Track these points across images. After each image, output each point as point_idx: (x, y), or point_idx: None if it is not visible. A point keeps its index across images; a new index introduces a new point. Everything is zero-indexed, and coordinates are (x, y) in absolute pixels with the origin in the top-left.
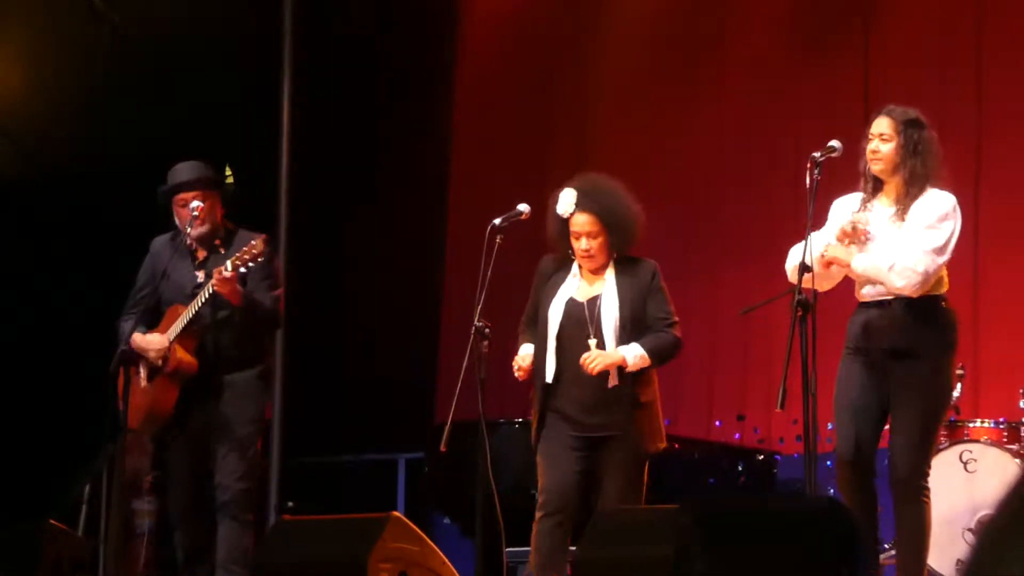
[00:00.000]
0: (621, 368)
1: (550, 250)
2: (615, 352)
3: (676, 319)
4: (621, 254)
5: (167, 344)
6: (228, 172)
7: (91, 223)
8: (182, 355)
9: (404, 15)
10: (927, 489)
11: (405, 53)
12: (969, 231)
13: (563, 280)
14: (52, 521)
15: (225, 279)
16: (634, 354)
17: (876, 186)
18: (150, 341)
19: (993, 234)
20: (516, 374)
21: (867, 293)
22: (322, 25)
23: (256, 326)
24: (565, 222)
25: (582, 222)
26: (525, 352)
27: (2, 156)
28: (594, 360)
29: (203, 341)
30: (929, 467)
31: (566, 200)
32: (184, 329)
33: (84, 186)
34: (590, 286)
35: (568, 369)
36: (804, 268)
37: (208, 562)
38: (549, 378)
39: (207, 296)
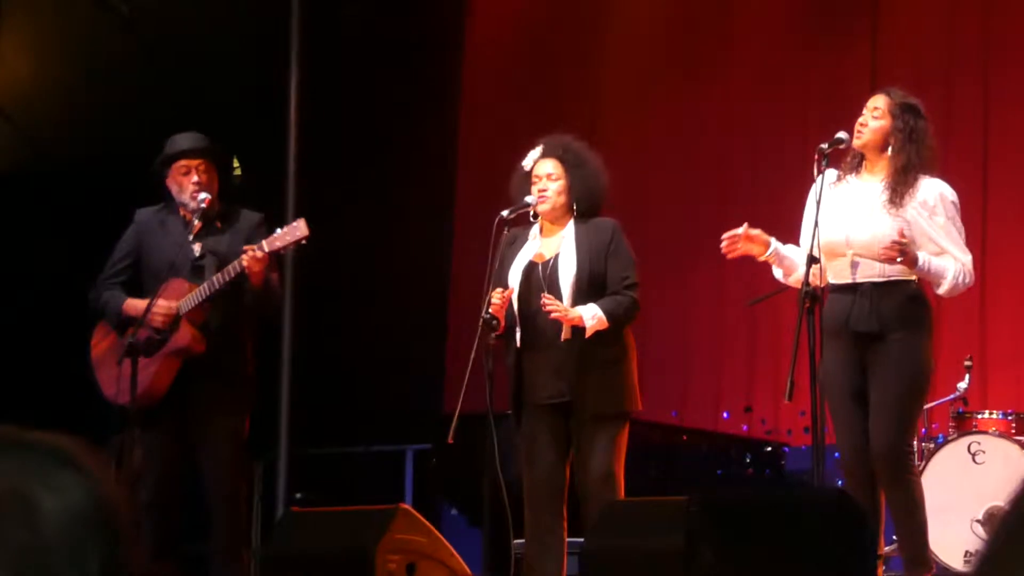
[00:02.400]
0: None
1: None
2: (574, 310)
3: (636, 280)
4: (583, 210)
5: (175, 310)
6: (236, 164)
7: (98, 213)
8: (194, 333)
9: (413, 3)
10: (913, 466)
11: (413, 41)
12: (977, 222)
13: (523, 244)
14: None
15: (259, 258)
16: (592, 315)
17: (860, 163)
18: (159, 306)
19: (1000, 225)
20: (491, 310)
21: (838, 275)
22: (330, 13)
23: (262, 308)
24: (527, 176)
25: (544, 165)
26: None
27: (9, 145)
28: (554, 305)
29: (207, 318)
30: (910, 446)
31: (532, 154)
32: (196, 305)
33: (91, 176)
34: (550, 247)
35: (530, 334)
36: (812, 260)
37: (175, 555)
38: (518, 342)
39: (235, 271)
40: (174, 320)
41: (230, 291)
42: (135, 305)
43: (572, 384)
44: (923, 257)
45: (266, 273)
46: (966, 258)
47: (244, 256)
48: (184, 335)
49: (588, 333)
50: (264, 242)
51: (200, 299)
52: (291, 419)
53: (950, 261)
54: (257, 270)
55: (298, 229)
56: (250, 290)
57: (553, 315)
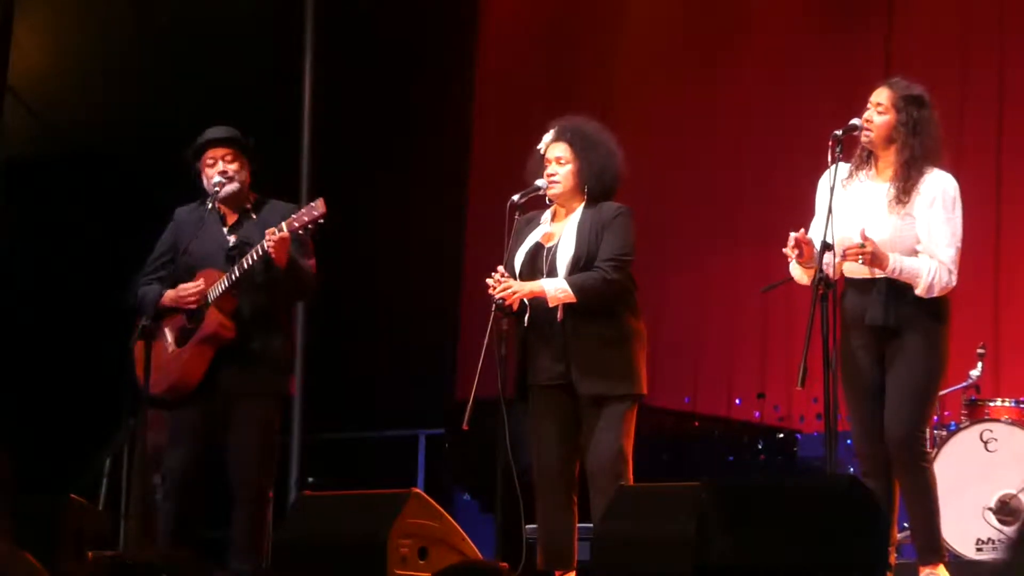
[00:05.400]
0: (570, 305)
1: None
2: (534, 283)
3: (624, 258)
4: (594, 193)
5: (203, 288)
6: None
7: (112, 197)
8: (222, 319)
9: None
10: (927, 454)
11: (428, 25)
12: (991, 212)
13: (534, 228)
14: (73, 495)
15: (282, 238)
16: (555, 287)
17: (868, 157)
18: (187, 287)
19: (1014, 215)
20: (494, 290)
21: (853, 270)
22: (344, 1)
23: (294, 292)
24: (542, 159)
25: (554, 149)
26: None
27: (24, 130)
28: (504, 289)
29: (239, 305)
30: (924, 434)
31: (545, 137)
32: (224, 291)
33: (104, 160)
34: (558, 230)
35: (533, 316)
36: (825, 247)
37: (195, 537)
38: (526, 323)
39: (257, 255)
40: (202, 307)
41: (265, 278)
42: (170, 295)
43: (569, 365)
44: (894, 260)
45: (292, 256)
46: (946, 255)
47: (266, 239)
48: (212, 322)
49: (550, 304)
50: (284, 223)
51: (226, 286)
52: (304, 404)
53: (925, 260)
54: (280, 252)
55: (315, 208)
56: (277, 273)
57: (510, 300)
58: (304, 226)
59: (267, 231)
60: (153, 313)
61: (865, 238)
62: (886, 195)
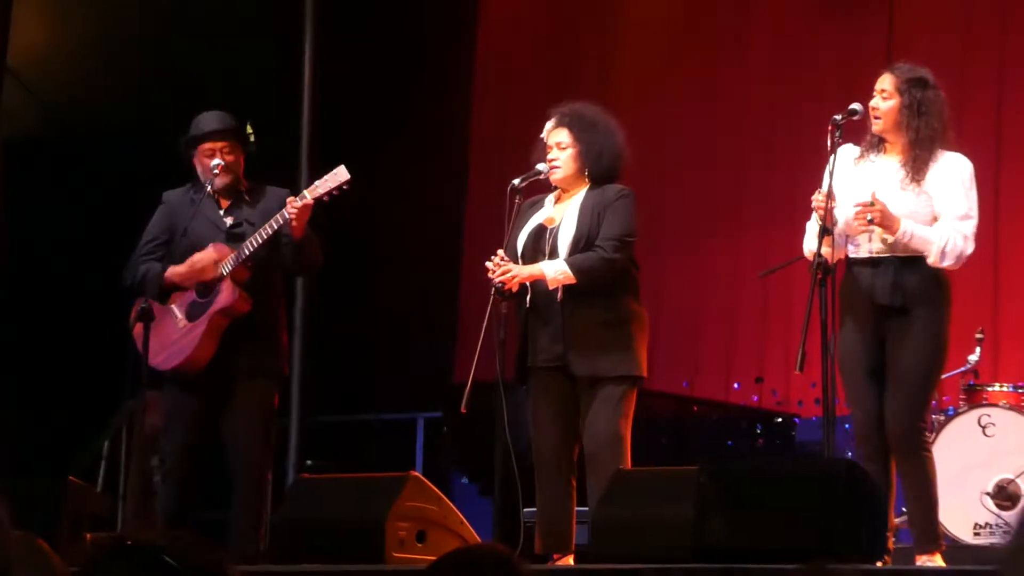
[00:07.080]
0: (570, 287)
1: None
2: (534, 266)
3: (625, 238)
4: (596, 175)
5: (215, 256)
6: (249, 130)
7: (114, 181)
8: (239, 291)
9: None
10: (926, 442)
11: (428, 18)
12: (990, 196)
13: (537, 211)
14: (72, 477)
15: (305, 205)
16: (555, 269)
17: (879, 141)
18: (199, 256)
19: (1014, 199)
20: (493, 273)
21: (870, 250)
22: None
23: (305, 263)
24: (545, 147)
25: (555, 135)
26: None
27: (24, 112)
28: (503, 272)
29: (250, 278)
30: (925, 422)
31: (547, 125)
32: (239, 263)
33: (107, 143)
34: (560, 212)
35: (534, 298)
36: (824, 231)
37: (193, 519)
38: (528, 304)
39: (277, 225)
40: (216, 280)
41: (265, 255)
42: (176, 270)
43: (567, 347)
44: (905, 224)
45: (307, 228)
46: (965, 225)
47: (288, 207)
48: (228, 293)
49: (551, 286)
50: (306, 191)
51: (244, 255)
52: (303, 386)
53: (937, 228)
54: (302, 220)
55: (339, 175)
56: (289, 244)
57: (511, 283)
58: (329, 193)
59: (288, 199)
60: (157, 292)
61: (875, 199)
62: (897, 173)
